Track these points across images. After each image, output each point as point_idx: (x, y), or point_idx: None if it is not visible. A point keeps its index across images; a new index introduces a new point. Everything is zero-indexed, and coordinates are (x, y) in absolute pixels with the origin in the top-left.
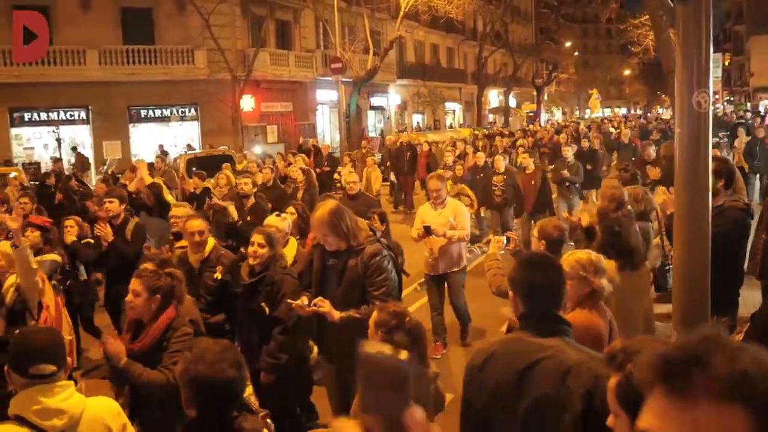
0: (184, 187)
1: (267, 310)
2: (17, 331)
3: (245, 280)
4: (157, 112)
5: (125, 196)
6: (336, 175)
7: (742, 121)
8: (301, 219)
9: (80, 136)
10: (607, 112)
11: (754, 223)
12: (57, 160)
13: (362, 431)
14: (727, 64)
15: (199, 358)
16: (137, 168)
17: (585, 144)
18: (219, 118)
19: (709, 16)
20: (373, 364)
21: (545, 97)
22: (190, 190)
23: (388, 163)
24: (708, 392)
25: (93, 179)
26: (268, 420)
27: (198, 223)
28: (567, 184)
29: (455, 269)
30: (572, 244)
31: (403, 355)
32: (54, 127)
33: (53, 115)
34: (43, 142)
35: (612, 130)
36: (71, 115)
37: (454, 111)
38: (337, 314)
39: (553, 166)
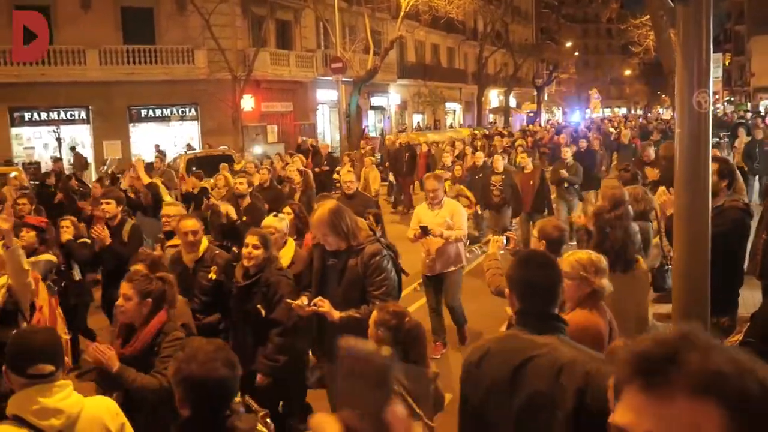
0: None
1: (263, 312)
2: (15, 332)
3: (240, 281)
4: (158, 112)
5: (123, 198)
6: (335, 175)
7: (743, 121)
8: (298, 219)
9: (80, 136)
10: (608, 112)
11: (754, 224)
12: (57, 160)
13: (342, 427)
14: (727, 64)
15: (192, 357)
16: (134, 166)
17: (583, 144)
18: (219, 117)
19: (709, 16)
20: (354, 360)
21: (545, 97)
22: (188, 190)
23: (387, 164)
24: (683, 388)
25: (93, 179)
26: (268, 420)
27: (192, 223)
28: (566, 185)
29: (452, 269)
30: (573, 244)
31: (385, 351)
32: (54, 127)
33: (53, 115)
34: (43, 142)
35: (612, 130)
36: (71, 115)
37: (454, 111)
38: (336, 314)
39: (551, 167)
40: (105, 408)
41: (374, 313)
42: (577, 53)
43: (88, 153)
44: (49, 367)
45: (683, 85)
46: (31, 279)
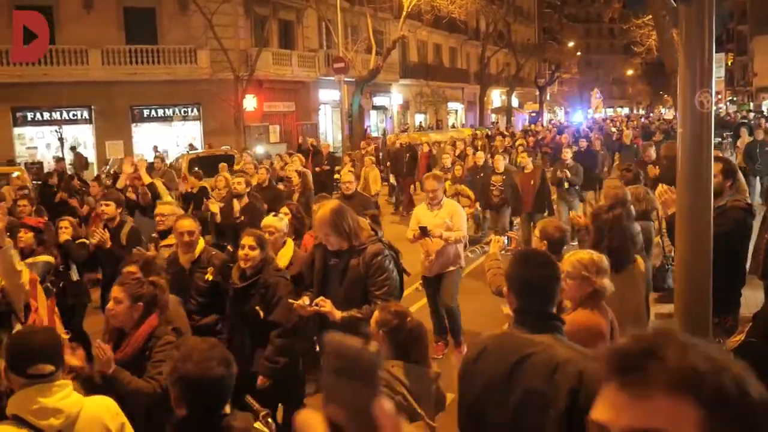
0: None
1: (261, 313)
2: (15, 332)
3: (237, 283)
4: (160, 112)
5: (122, 200)
6: (336, 175)
7: (745, 121)
8: (296, 220)
9: (83, 136)
10: (610, 112)
11: (756, 224)
12: (59, 160)
13: (327, 423)
14: (730, 64)
15: (188, 356)
16: (133, 165)
17: (583, 144)
18: (221, 117)
19: (711, 16)
20: (340, 355)
21: (548, 97)
22: (187, 190)
23: (388, 163)
24: (661, 385)
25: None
26: (269, 420)
27: (188, 223)
28: (566, 186)
29: (450, 269)
30: (575, 243)
31: (372, 346)
32: (57, 127)
33: (56, 115)
34: (46, 142)
35: (613, 130)
36: (74, 115)
37: (456, 111)
38: (338, 314)
39: (552, 168)
40: (105, 407)
41: (376, 313)
42: (579, 53)
43: (90, 153)
44: (49, 367)
45: (686, 85)
46: (25, 280)
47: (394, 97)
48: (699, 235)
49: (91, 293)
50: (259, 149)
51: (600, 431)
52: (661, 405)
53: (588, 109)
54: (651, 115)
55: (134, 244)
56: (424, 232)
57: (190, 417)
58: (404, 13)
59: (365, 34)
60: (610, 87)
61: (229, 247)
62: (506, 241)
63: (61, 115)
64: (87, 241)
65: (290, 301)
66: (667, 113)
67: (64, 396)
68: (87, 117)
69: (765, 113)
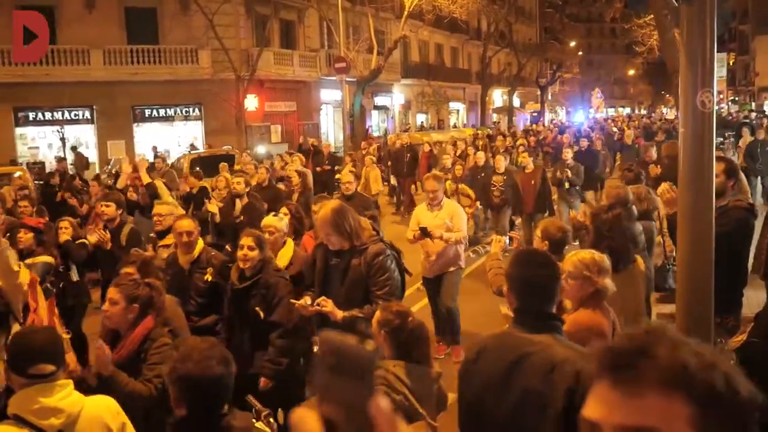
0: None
1: (262, 314)
2: (15, 332)
3: (236, 283)
4: (161, 112)
5: (122, 201)
6: (338, 175)
7: (747, 121)
8: (295, 219)
9: (84, 136)
10: (611, 112)
11: (758, 224)
12: (61, 160)
13: (322, 421)
14: (731, 63)
15: (187, 356)
16: (132, 164)
17: (584, 143)
18: (223, 117)
19: (713, 15)
20: (335, 352)
21: (549, 97)
22: (186, 190)
23: (389, 163)
24: (652, 382)
25: None
26: (271, 420)
27: (187, 224)
28: (567, 186)
29: (451, 269)
30: (576, 244)
31: (369, 344)
32: (58, 127)
33: (57, 115)
34: (48, 142)
35: (615, 130)
36: (75, 115)
37: (458, 111)
38: (340, 314)
39: (552, 168)
40: (105, 407)
41: (377, 313)
42: (580, 53)
43: (92, 153)
44: (50, 367)
45: (687, 85)
46: (24, 280)
47: (396, 97)
48: (701, 235)
49: (91, 293)
50: (261, 149)
51: (592, 429)
52: (653, 403)
53: (589, 108)
54: (653, 115)
55: (134, 244)
56: (424, 232)
57: (190, 416)
58: (406, 12)
59: (367, 34)
60: (611, 87)
61: (227, 247)
62: (508, 241)
63: (62, 115)
64: (87, 242)
65: (292, 301)
66: (669, 113)
67: (65, 395)
68: (89, 117)
69: (767, 113)
